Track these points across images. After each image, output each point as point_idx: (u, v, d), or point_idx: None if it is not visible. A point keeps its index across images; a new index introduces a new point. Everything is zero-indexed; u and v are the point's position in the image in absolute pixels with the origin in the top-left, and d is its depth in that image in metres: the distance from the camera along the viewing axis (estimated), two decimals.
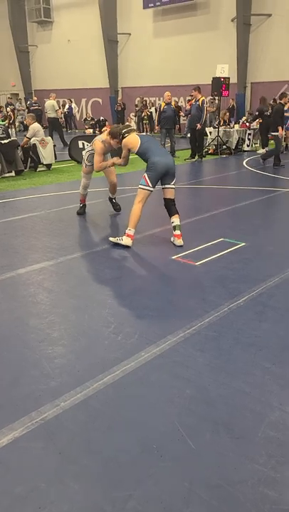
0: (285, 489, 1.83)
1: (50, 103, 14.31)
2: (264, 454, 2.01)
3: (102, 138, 5.68)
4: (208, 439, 2.11)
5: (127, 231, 4.94)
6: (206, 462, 1.97)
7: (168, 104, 12.05)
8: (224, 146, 13.35)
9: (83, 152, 6.52)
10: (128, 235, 4.93)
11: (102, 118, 19.72)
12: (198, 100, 11.50)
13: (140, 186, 4.97)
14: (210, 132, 14.05)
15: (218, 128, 13.27)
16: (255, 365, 2.70)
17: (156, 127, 12.73)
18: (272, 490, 1.82)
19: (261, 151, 13.57)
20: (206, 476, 1.90)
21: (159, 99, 19.10)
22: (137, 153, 5.08)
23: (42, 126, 12.08)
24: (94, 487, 1.86)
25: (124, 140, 5.19)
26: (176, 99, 20.04)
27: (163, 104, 12.11)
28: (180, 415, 2.27)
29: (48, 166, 10.81)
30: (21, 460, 2.01)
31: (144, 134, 5.73)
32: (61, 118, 15.51)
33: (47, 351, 2.90)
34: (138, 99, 21.42)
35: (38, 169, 10.60)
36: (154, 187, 4.93)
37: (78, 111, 23.79)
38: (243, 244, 4.96)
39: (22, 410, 2.31)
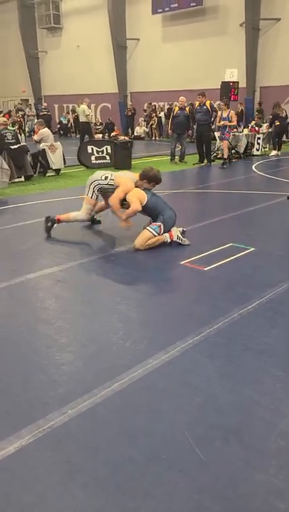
0: None
1: (81, 108, 14.43)
2: (274, 465, 1.97)
3: (133, 178, 5.25)
4: (218, 448, 2.07)
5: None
6: (215, 473, 1.94)
7: (182, 109, 12.02)
8: (233, 151, 13.31)
9: (93, 179, 5.40)
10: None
11: (109, 119, 19.80)
12: (205, 104, 11.48)
13: (151, 231, 5.00)
14: (218, 137, 14.02)
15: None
16: (265, 372, 2.66)
17: (169, 131, 12.71)
18: (283, 502, 1.78)
19: (274, 153, 13.55)
20: (216, 488, 1.86)
21: (169, 104, 19.14)
22: (143, 208, 5.06)
23: (52, 131, 12.16)
24: (101, 496, 1.83)
25: (132, 193, 5.05)
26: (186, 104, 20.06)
27: (176, 109, 12.08)
28: (189, 424, 2.24)
29: (57, 171, 10.85)
30: (28, 468, 1.99)
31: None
32: (93, 123, 15.60)
33: (55, 357, 2.88)
34: (146, 104, 21.49)
35: (47, 174, 10.64)
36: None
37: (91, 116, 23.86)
38: (253, 249, 4.91)
39: (29, 417, 2.29)
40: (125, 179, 5.19)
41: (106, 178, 5.30)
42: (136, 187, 5.16)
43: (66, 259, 4.72)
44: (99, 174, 5.40)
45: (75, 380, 2.64)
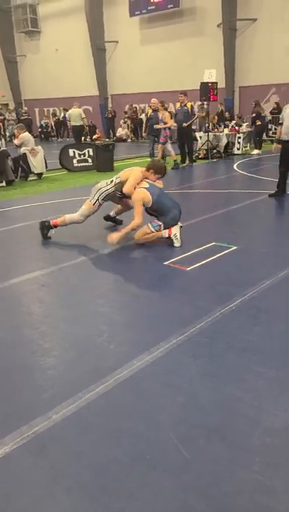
0: (281, 498, 1.80)
1: (76, 111, 14.68)
2: (259, 462, 1.99)
3: (140, 169, 5.34)
4: (202, 447, 2.08)
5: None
6: (200, 472, 1.95)
7: (155, 110, 12.10)
8: (214, 150, 13.41)
9: (98, 187, 5.35)
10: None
11: (91, 122, 19.79)
12: (186, 105, 11.55)
13: (151, 228, 5.09)
14: (200, 137, 14.12)
15: (209, 132, 13.33)
16: (248, 370, 2.68)
17: (144, 134, 12.79)
18: (268, 499, 1.80)
19: (256, 151, 13.67)
20: (201, 487, 1.87)
21: (149, 106, 19.18)
22: (150, 208, 5.12)
23: (33, 135, 12.10)
24: (86, 500, 1.83)
25: (135, 193, 5.09)
26: (166, 105, 20.14)
27: (150, 111, 12.17)
28: (172, 423, 2.24)
29: (39, 175, 10.80)
30: (12, 475, 1.97)
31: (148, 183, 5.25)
32: (87, 126, 16.06)
33: (39, 362, 2.87)
34: (128, 106, 21.52)
35: (29, 179, 10.58)
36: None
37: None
38: (235, 247, 4.95)
39: (13, 424, 2.28)
40: (131, 170, 5.28)
41: (111, 181, 5.34)
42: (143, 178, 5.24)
43: (49, 263, 4.69)
44: (103, 183, 5.41)
45: (59, 384, 2.63)
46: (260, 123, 13.45)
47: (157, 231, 5.12)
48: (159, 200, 5.11)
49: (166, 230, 5.13)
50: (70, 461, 2.04)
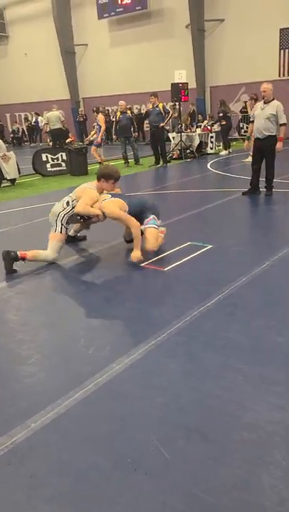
0: (261, 492, 1.81)
1: (54, 114, 14.57)
2: (239, 458, 1.99)
3: (92, 185, 4.91)
4: (182, 447, 2.08)
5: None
6: (180, 471, 1.94)
7: (123, 113, 12.12)
8: (188, 151, 13.49)
9: (56, 212, 4.83)
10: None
11: (64, 126, 19.63)
12: (158, 106, 11.62)
13: (154, 226, 4.78)
14: (173, 137, 14.19)
15: (182, 133, 13.40)
16: (226, 367, 2.70)
17: (114, 136, 12.82)
18: (248, 494, 1.81)
19: (225, 152, 13.78)
20: (182, 486, 1.87)
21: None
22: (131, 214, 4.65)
23: (4, 141, 11.96)
24: (67, 508, 1.80)
25: (107, 207, 4.59)
26: (138, 107, 20.21)
27: (118, 114, 12.19)
28: (153, 425, 2.23)
29: (12, 181, 10.67)
30: None
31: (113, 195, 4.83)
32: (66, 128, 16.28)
33: (17, 371, 2.82)
34: (100, 109, 21.48)
35: (2, 185, 10.45)
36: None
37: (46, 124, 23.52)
38: (211, 246, 4.98)
39: None
40: (83, 188, 4.88)
41: (68, 203, 4.86)
42: (98, 192, 4.85)
43: (25, 270, 4.63)
44: (59, 206, 4.89)
45: (37, 392, 2.59)
46: (224, 123, 13.53)
47: (158, 225, 4.85)
48: (133, 201, 4.84)
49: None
50: (50, 470, 2.01)
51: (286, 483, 1.83)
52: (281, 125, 7.06)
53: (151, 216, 4.83)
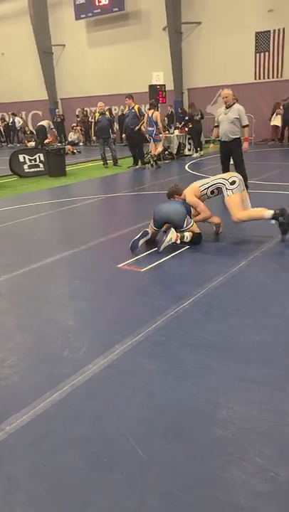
0: (235, 488, 1.84)
1: (45, 122, 16.30)
2: (214, 455, 2.02)
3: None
4: (158, 446, 2.10)
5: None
6: (157, 470, 1.96)
7: (102, 114, 12.11)
8: (166, 152, 13.54)
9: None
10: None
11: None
12: (134, 108, 11.66)
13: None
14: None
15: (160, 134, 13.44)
16: (202, 366, 2.72)
17: (93, 138, 12.78)
18: (223, 491, 1.83)
19: (196, 154, 13.88)
20: (158, 485, 1.88)
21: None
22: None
23: None
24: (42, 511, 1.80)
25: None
26: (116, 108, 20.20)
27: (97, 115, 12.17)
28: (129, 425, 2.24)
29: None
30: None
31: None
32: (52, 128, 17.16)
33: None
34: (79, 109, 21.38)
35: None
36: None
37: (24, 125, 23.22)
38: (188, 246, 5.02)
39: None
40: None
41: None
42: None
43: (0, 272, 4.58)
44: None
45: (13, 394, 2.57)
46: (191, 126, 13.61)
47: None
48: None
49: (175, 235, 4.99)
50: (26, 472, 2.00)
51: (259, 478, 1.87)
52: (244, 127, 7.52)
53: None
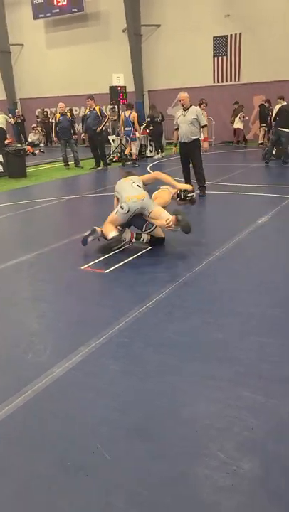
0: (197, 484, 1.88)
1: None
2: (178, 453, 2.06)
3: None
4: (123, 446, 2.11)
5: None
6: (122, 471, 1.97)
7: (63, 115, 12.03)
8: (128, 153, 13.55)
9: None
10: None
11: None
12: (95, 109, 11.64)
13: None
14: (113, 140, 14.22)
15: (121, 136, 13.45)
16: (165, 365, 2.76)
17: (54, 138, 12.66)
18: (186, 487, 1.87)
19: (158, 156, 13.99)
20: (123, 485, 1.90)
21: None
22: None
23: None
24: None
25: None
26: (77, 109, 20.06)
27: (58, 116, 12.07)
28: (94, 427, 2.25)
29: None
30: None
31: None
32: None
33: None
34: (39, 110, 21.09)
35: None
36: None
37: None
38: (151, 247, 5.06)
39: None
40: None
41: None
42: None
43: None
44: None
45: None
46: (152, 128, 13.74)
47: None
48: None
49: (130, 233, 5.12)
50: None
51: (221, 473, 1.92)
52: (203, 127, 7.74)
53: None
